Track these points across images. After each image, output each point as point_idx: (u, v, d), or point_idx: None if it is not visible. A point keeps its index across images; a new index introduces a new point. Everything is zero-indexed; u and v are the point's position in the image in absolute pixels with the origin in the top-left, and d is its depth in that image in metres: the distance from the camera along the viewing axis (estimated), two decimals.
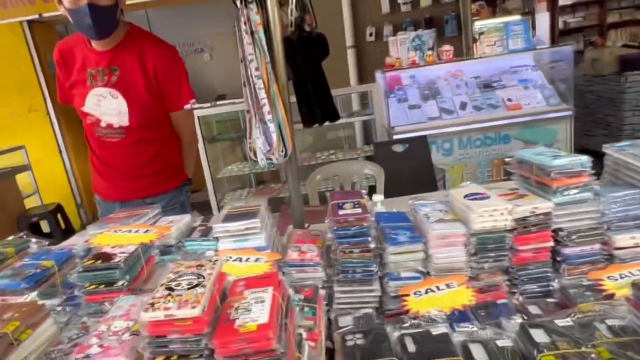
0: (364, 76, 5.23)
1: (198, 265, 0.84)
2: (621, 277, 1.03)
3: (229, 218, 1.21)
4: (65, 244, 1.24)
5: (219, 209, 3.90)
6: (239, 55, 1.33)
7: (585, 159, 1.16)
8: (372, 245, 1.14)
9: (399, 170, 3.24)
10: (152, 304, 0.70)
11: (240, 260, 1.09)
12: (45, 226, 4.78)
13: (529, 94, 3.65)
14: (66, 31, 5.82)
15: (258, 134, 1.30)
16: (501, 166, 3.69)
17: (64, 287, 1.05)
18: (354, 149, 3.98)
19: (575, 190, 1.16)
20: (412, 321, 0.93)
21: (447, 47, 3.60)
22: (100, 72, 1.68)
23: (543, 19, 6.84)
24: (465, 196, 1.21)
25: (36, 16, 4.53)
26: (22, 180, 4.89)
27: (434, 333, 0.87)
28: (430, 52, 3.71)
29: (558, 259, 1.16)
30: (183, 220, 1.31)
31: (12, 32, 4.84)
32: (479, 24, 5.82)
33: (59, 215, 4.80)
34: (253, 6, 1.27)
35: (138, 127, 1.73)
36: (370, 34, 5.18)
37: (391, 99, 3.79)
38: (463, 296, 1.04)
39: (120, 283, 0.92)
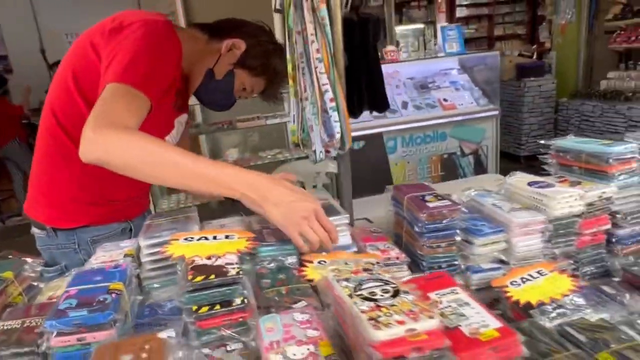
0: None
1: (365, 269, 0.71)
2: None
3: None
4: (96, 261, 0.98)
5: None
6: (286, 34, 1.19)
7: (634, 146, 1.24)
8: (458, 239, 1.10)
9: (356, 169, 3.24)
10: (374, 319, 0.57)
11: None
12: None
13: (460, 95, 3.92)
14: None
15: (316, 123, 1.17)
16: (439, 163, 3.90)
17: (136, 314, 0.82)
18: (300, 149, 3.87)
19: (626, 175, 1.24)
20: None
21: (391, 47, 3.70)
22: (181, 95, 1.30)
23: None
24: (530, 184, 1.22)
25: None
26: None
27: None
28: None
29: (613, 240, 1.23)
30: (232, 222, 1.12)
31: None
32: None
33: None
34: None
35: None
36: None
37: None
38: (563, 284, 1.04)
39: (238, 301, 0.75)
